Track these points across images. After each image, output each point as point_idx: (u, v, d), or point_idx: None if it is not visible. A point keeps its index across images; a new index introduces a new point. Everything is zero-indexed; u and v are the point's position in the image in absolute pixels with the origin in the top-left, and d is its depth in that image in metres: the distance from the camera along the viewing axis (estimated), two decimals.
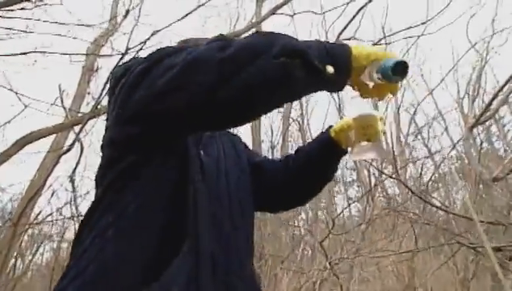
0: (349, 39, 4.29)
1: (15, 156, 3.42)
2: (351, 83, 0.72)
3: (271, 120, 7.44)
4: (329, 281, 4.08)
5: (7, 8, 3.29)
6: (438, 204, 3.78)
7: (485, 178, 2.96)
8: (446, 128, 6.75)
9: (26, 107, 3.66)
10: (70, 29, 3.88)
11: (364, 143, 0.87)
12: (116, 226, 0.66)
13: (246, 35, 0.70)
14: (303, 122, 7.57)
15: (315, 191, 1.05)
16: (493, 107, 2.98)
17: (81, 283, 0.62)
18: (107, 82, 3.14)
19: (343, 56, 0.67)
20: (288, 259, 4.64)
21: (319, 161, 0.98)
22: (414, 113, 7.17)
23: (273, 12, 4.89)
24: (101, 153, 0.77)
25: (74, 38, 3.94)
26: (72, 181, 3.37)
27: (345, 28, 3.95)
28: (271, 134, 7.25)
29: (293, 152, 1.06)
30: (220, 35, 0.68)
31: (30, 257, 6.03)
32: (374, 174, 5.10)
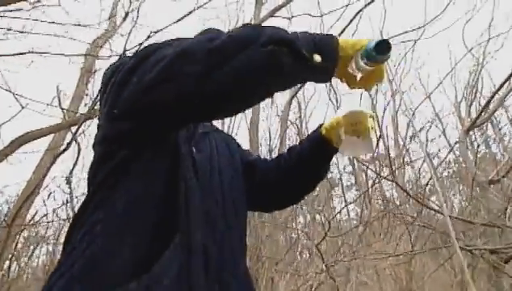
0: None
1: (13, 156, 3.40)
2: (339, 75, 0.73)
3: (269, 123, 7.45)
4: (326, 284, 4.07)
5: (4, 8, 3.29)
6: (436, 208, 3.79)
7: (481, 180, 2.97)
8: (443, 131, 6.77)
9: (23, 108, 3.65)
10: (68, 30, 3.88)
11: (354, 139, 0.87)
12: (105, 222, 0.65)
13: None
14: (301, 125, 7.58)
15: (307, 189, 1.05)
16: (490, 109, 2.99)
17: (69, 278, 0.61)
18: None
19: (330, 45, 0.67)
20: (285, 261, 4.62)
21: (310, 159, 0.98)
22: (412, 115, 7.17)
23: (271, 14, 4.93)
24: (93, 152, 0.77)
25: (72, 39, 3.94)
26: (69, 182, 3.35)
27: (343, 31, 3.98)
28: (269, 137, 7.24)
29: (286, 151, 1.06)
30: (209, 28, 0.69)
31: (25, 260, 5.98)
32: (372, 177, 5.11)
